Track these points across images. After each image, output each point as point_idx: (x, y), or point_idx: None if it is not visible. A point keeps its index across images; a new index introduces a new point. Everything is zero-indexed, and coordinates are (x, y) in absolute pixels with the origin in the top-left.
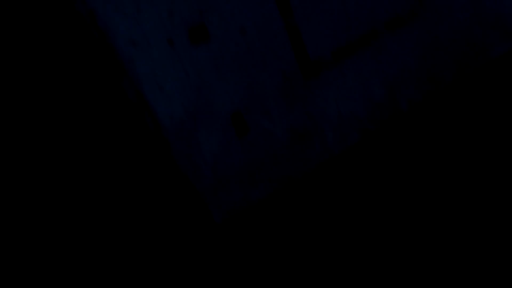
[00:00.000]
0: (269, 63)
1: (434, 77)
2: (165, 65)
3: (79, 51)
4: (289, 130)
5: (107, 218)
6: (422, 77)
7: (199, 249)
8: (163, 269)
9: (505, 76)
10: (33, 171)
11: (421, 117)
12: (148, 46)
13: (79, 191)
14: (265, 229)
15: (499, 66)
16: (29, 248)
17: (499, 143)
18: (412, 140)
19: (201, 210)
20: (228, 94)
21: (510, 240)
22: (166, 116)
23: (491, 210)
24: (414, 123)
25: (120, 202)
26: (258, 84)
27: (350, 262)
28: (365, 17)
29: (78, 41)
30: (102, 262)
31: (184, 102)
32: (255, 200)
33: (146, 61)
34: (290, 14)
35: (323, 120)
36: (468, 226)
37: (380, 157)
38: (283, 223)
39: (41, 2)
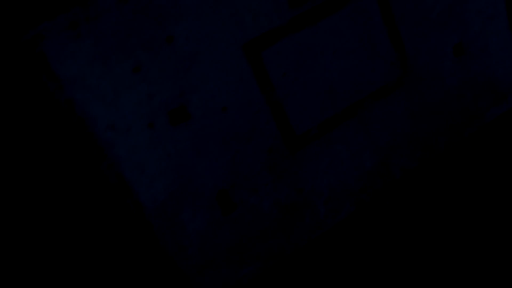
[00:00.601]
0: (252, 139)
1: (426, 144)
2: (146, 148)
3: (58, 136)
4: (277, 205)
5: None
6: (414, 144)
7: None
8: None
9: (500, 140)
10: None
11: (415, 184)
12: (128, 130)
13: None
14: None
15: (494, 130)
16: None
17: (497, 209)
18: (407, 208)
19: None
20: (212, 172)
21: None
22: (148, 198)
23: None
24: (408, 190)
25: (102, 285)
26: (242, 160)
27: None
28: (349, 89)
29: (56, 126)
30: None
31: (166, 183)
32: (244, 279)
33: (126, 145)
34: (271, 90)
35: (313, 193)
36: None
37: (376, 227)
38: None
39: (18, 89)
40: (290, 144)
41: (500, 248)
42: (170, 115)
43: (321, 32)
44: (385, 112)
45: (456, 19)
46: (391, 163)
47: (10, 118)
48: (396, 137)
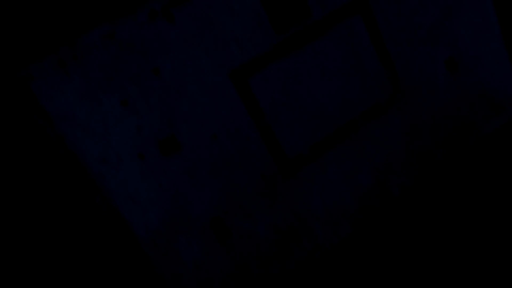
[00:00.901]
0: (244, 164)
1: (424, 160)
2: (137, 178)
3: (50, 171)
4: (273, 230)
5: None
6: (411, 161)
7: None
8: None
9: (502, 152)
10: None
11: (414, 201)
12: (119, 162)
13: None
14: None
15: (495, 141)
16: None
17: (499, 223)
18: (407, 226)
19: None
20: (205, 199)
21: None
22: (142, 228)
23: None
24: (408, 208)
25: None
26: (235, 186)
27: None
28: (340, 110)
29: (49, 161)
30: None
31: (159, 213)
32: None
33: (117, 176)
34: (261, 115)
35: (310, 216)
36: None
37: (376, 246)
38: None
39: (12, 128)
40: (282, 168)
41: (504, 263)
42: (160, 145)
43: (308, 56)
44: (379, 131)
45: (446, 34)
46: (389, 182)
47: (3, 153)
48: (392, 155)
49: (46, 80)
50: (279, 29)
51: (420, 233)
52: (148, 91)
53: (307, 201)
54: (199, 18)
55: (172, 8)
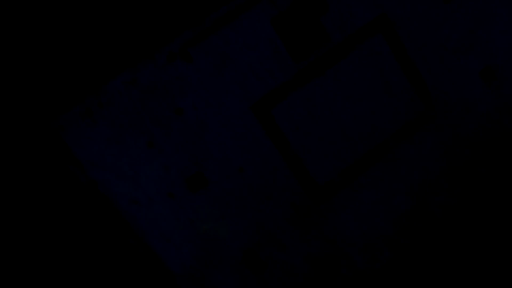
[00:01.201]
0: (274, 195)
1: (466, 177)
2: (169, 217)
3: (85, 214)
4: (309, 260)
5: None
6: (452, 179)
7: None
8: None
9: None
10: None
11: (459, 221)
12: (149, 202)
13: None
14: None
15: None
16: None
17: None
18: (452, 247)
19: None
20: (236, 233)
21: None
22: (177, 265)
23: None
24: (452, 228)
25: None
26: (266, 218)
27: None
28: (369, 133)
29: (83, 205)
30: None
31: (193, 249)
32: None
33: (149, 216)
34: (287, 145)
35: (346, 243)
36: None
37: (419, 271)
38: None
39: (46, 176)
40: (313, 196)
41: None
42: (188, 182)
43: (331, 80)
44: (413, 150)
45: (479, 43)
46: (429, 202)
47: (41, 201)
48: (431, 174)
49: (75, 129)
50: (297, 58)
51: (467, 255)
52: (172, 131)
53: (342, 228)
54: (216, 55)
55: (190, 48)
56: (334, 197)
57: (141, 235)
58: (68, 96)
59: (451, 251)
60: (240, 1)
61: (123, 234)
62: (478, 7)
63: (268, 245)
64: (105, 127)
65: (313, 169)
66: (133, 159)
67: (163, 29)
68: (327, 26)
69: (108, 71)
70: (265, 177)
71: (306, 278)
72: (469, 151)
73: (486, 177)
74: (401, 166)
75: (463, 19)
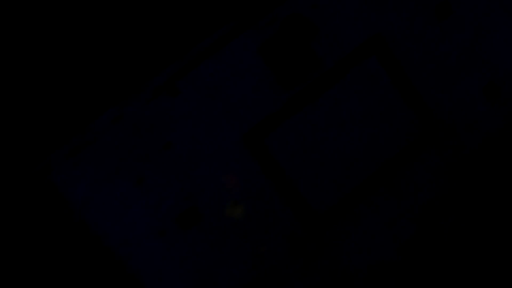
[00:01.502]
0: (270, 227)
1: (474, 195)
2: (161, 256)
3: (77, 255)
4: None
5: None
6: (458, 200)
7: None
8: None
9: None
10: None
11: (469, 242)
12: (141, 241)
13: None
14: None
15: None
16: None
17: None
18: (463, 269)
19: None
20: (233, 269)
21: None
22: None
23: None
24: (462, 251)
25: None
26: (263, 252)
27: None
28: (368, 157)
29: (74, 244)
30: None
31: (188, 286)
32: None
33: (141, 256)
34: (281, 175)
35: (350, 274)
36: None
37: None
38: None
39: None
40: (311, 226)
41: None
42: (181, 219)
43: (324, 105)
44: (417, 172)
45: (480, 59)
46: (435, 226)
47: (33, 245)
48: (435, 196)
49: (63, 169)
50: (287, 85)
51: (480, 277)
52: (162, 167)
53: (345, 259)
54: (203, 86)
55: (176, 81)
56: (334, 226)
57: (134, 275)
58: (54, 137)
59: (461, 275)
60: (224, 31)
61: (116, 274)
62: (475, 22)
63: (267, 279)
64: (93, 166)
65: (311, 198)
66: (123, 198)
67: (148, 64)
68: (317, 50)
69: (94, 109)
70: (260, 209)
71: None
72: (476, 168)
73: (494, 196)
74: (403, 190)
75: (460, 34)
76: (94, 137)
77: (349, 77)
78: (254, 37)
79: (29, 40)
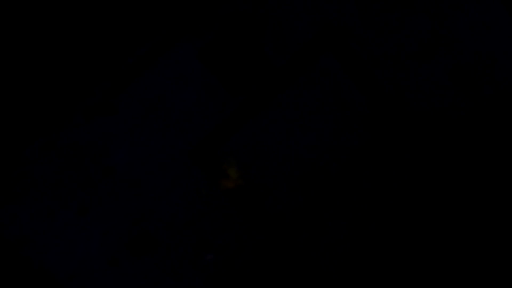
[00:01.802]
0: (231, 244)
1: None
2: (116, 285)
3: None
4: None
5: None
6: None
7: None
8: None
9: None
10: None
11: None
12: (92, 273)
13: None
14: None
15: None
16: None
17: None
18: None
19: None
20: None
21: None
22: None
23: None
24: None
25: None
26: (228, 269)
27: None
28: (333, 155)
29: (21, 283)
30: None
31: None
32: None
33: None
34: (238, 187)
35: None
36: None
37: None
38: None
39: None
40: (277, 234)
41: None
42: (132, 245)
43: (281, 107)
44: (384, 165)
45: (444, 42)
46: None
47: None
48: (403, 194)
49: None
50: (234, 91)
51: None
52: (105, 192)
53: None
54: (144, 100)
55: (112, 99)
56: (302, 233)
57: None
58: None
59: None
60: (159, 39)
61: None
62: (439, 4)
63: None
64: (30, 199)
65: (274, 205)
66: (66, 229)
67: (77, 84)
68: (266, 49)
69: (22, 140)
70: (219, 225)
71: None
72: (446, 161)
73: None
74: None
75: (422, 18)
76: (27, 168)
77: (304, 75)
78: (193, 43)
79: None
